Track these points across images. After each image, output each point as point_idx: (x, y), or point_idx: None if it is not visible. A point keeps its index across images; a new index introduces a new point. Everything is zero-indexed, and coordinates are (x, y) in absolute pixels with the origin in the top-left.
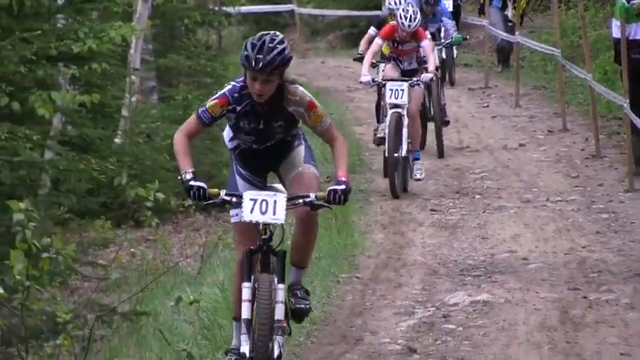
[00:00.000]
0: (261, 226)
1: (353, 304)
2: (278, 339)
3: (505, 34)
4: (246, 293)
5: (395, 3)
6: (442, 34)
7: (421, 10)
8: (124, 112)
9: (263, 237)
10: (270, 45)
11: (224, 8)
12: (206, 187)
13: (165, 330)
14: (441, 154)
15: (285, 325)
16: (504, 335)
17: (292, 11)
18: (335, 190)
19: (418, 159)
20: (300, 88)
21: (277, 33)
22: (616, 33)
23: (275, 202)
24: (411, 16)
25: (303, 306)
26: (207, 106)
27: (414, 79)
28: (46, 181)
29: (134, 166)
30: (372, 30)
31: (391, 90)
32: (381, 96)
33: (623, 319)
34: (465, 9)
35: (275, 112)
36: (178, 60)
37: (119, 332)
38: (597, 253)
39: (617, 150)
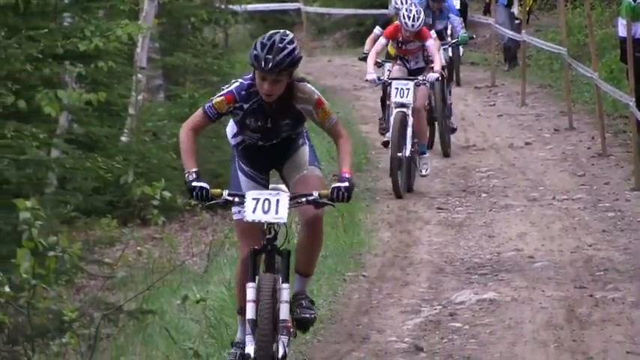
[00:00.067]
0: (265, 225)
1: (359, 303)
2: (282, 339)
3: (511, 32)
4: (250, 293)
5: (401, 2)
6: (449, 32)
7: (427, 7)
8: (131, 111)
9: (267, 236)
10: (280, 45)
11: (230, 6)
12: (208, 187)
13: (172, 328)
14: (446, 153)
15: (290, 325)
16: (511, 333)
17: (299, 10)
18: (338, 188)
19: (425, 153)
20: (309, 85)
21: (287, 32)
22: (622, 32)
23: (278, 201)
24: (414, 15)
25: (308, 315)
26: (213, 101)
27: (420, 78)
28: (52, 179)
29: (140, 164)
30: (377, 29)
31: (397, 89)
32: (386, 94)
33: (630, 317)
34: (472, 7)
35: (283, 111)
36: (185, 58)
37: (125, 331)
38: (603, 251)
39: (623, 148)
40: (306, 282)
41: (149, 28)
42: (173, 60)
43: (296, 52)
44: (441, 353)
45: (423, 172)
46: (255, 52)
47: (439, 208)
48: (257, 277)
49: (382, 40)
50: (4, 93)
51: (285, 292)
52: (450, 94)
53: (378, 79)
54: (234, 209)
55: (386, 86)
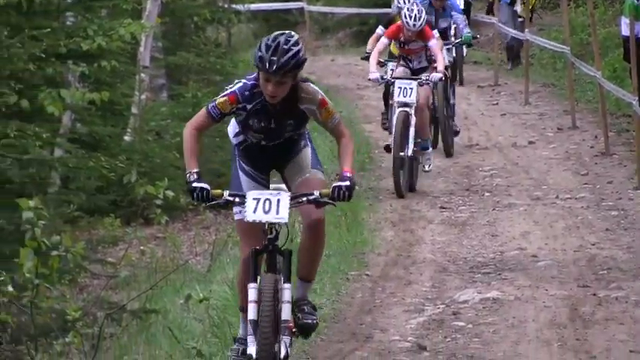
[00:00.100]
0: (266, 225)
1: (362, 302)
2: (285, 339)
3: (514, 31)
4: (252, 294)
5: (403, 1)
6: (452, 32)
7: (430, 5)
8: (134, 110)
9: (269, 236)
10: (285, 47)
11: (233, 6)
12: (209, 188)
13: (175, 328)
14: (448, 153)
15: (292, 325)
16: (514, 332)
17: (302, 9)
18: (339, 187)
19: (428, 148)
20: (312, 85)
21: (292, 33)
22: (625, 31)
23: (278, 200)
24: (415, 15)
25: (310, 321)
26: (216, 102)
27: (423, 77)
28: (55, 179)
29: (143, 163)
30: (379, 29)
31: (400, 88)
32: (389, 92)
33: (633, 316)
34: (475, 7)
35: (287, 112)
36: (188, 57)
37: (129, 330)
38: (607, 250)
39: (627, 147)
40: (307, 287)
41: (152, 28)
42: (176, 59)
43: (301, 54)
44: (444, 352)
45: (427, 168)
46: (259, 53)
47: (442, 207)
48: (258, 278)
49: (384, 40)
50: (7, 92)
51: (287, 292)
52: (453, 94)
53: (381, 78)
54: (236, 209)
55: (389, 85)
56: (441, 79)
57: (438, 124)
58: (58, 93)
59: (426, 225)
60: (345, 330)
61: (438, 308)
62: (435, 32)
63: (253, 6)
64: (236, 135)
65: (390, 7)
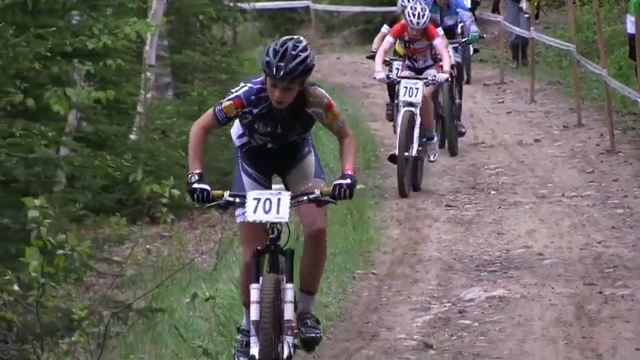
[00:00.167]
0: (267, 225)
1: (369, 300)
2: (288, 339)
3: (519, 29)
4: (254, 295)
5: (407, 0)
6: (459, 30)
7: (435, 4)
8: (139, 109)
9: (270, 236)
10: (293, 52)
11: (239, 4)
12: (210, 189)
13: (181, 326)
14: (453, 152)
15: (295, 325)
16: (520, 330)
17: (307, 7)
18: (340, 185)
19: (432, 139)
20: (319, 88)
21: (301, 38)
22: (630, 29)
23: (279, 200)
24: (419, 13)
25: (314, 335)
26: (223, 105)
27: (430, 77)
28: (61, 177)
29: (149, 162)
30: (384, 28)
31: (406, 87)
32: (394, 90)
33: (639, 313)
34: (481, 5)
35: (294, 117)
36: (193, 56)
37: (135, 329)
38: (613, 248)
39: (632, 145)
40: (310, 300)
41: (158, 26)
42: (182, 58)
43: (309, 60)
44: (450, 350)
45: (432, 158)
46: (267, 58)
47: (448, 206)
48: (261, 278)
49: (389, 39)
50: (13, 91)
51: (290, 292)
52: (460, 94)
53: (387, 77)
54: (238, 212)
55: (394, 84)
56: (447, 80)
57: (444, 123)
58: (64, 92)
59: (432, 223)
60: (351, 328)
61: (444, 306)
62: (440, 30)
63: (259, 4)
64: (239, 137)
65: (395, 5)
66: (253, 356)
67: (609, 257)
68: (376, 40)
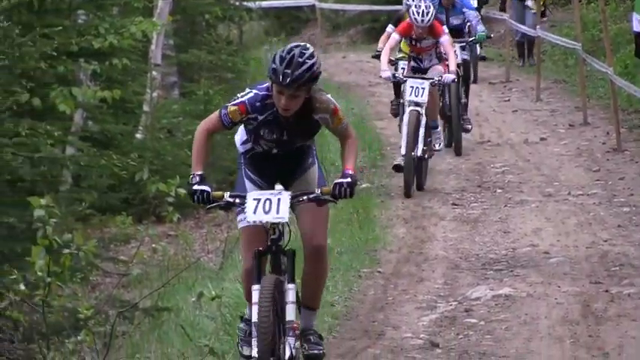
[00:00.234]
0: (268, 226)
1: (375, 299)
2: (289, 340)
3: (525, 28)
4: (255, 296)
5: None
6: (467, 29)
7: (440, 5)
8: (145, 108)
9: (272, 237)
10: (300, 60)
11: (245, 3)
12: (210, 190)
13: (187, 326)
14: (458, 152)
15: (296, 325)
16: (526, 329)
17: (313, 6)
18: (340, 184)
19: (436, 127)
20: (325, 94)
21: (307, 45)
22: (636, 27)
23: (279, 200)
24: (423, 10)
25: (316, 351)
26: (228, 109)
27: (436, 78)
28: (67, 177)
29: (155, 161)
30: (389, 28)
31: (412, 87)
32: (400, 89)
33: None
34: (488, 3)
35: (300, 124)
36: (199, 55)
37: (141, 328)
38: (619, 246)
39: (639, 143)
40: (313, 316)
41: (163, 25)
42: (188, 57)
43: (315, 67)
44: (456, 349)
45: (437, 147)
46: (273, 65)
47: (454, 204)
48: (262, 279)
49: (395, 37)
50: (19, 91)
51: (292, 293)
52: (466, 93)
53: (394, 76)
54: (240, 217)
55: (400, 84)
56: (454, 81)
57: (451, 122)
58: (70, 91)
59: (438, 222)
60: (358, 327)
61: (450, 305)
62: (445, 28)
63: (265, 3)
64: (243, 143)
65: (401, 4)
66: (253, 357)
67: (615, 256)
68: (382, 39)
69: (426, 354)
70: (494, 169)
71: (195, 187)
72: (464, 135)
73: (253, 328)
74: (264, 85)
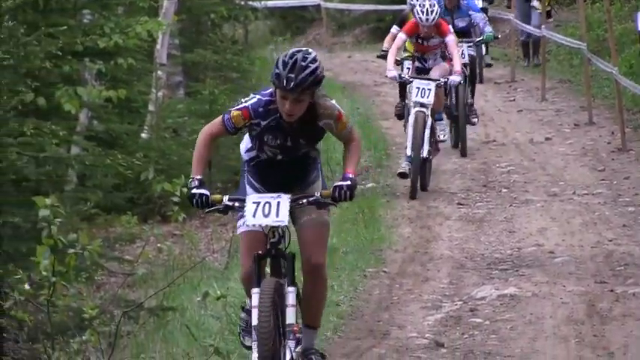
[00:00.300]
0: (267, 229)
1: (380, 299)
2: (290, 344)
3: (530, 27)
4: (255, 299)
5: None
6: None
7: (446, 9)
8: (151, 107)
9: (271, 240)
10: (303, 64)
11: (250, 3)
12: (209, 193)
13: (192, 325)
14: (463, 153)
15: (297, 329)
16: (531, 329)
17: (318, 6)
18: (340, 187)
19: (441, 119)
20: (329, 100)
21: (310, 50)
22: None
23: (278, 203)
24: (427, 9)
25: None
26: (231, 114)
27: (442, 80)
28: (72, 176)
29: (160, 161)
30: (394, 28)
31: (418, 88)
32: (406, 89)
33: None
34: (494, 3)
35: (304, 130)
36: (205, 55)
37: (146, 328)
38: (624, 246)
39: None
40: (314, 335)
41: (169, 25)
42: (193, 56)
43: (318, 71)
44: (461, 349)
45: (442, 137)
46: (276, 70)
47: (459, 204)
48: (261, 283)
49: (402, 36)
50: (24, 90)
51: (292, 296)
52: (472, 93)
53: (399, 76)
54: (239, 222)
55: (406, 84)
56: (460, 83)
57: (457, 122)
58: (75, 91)
59: (444, 221)
60: (363, 327)
61: (456, 305)
62: (451, 28)
63: (270, 3)
64: (248, 151)
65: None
66: None
67: (620, 255)
68: (387, 39)
69: (431, 354)
70: (499, 168)
71: (194, 190)
72: (469, 135)
73: (253, 332)
74: (268, 91)
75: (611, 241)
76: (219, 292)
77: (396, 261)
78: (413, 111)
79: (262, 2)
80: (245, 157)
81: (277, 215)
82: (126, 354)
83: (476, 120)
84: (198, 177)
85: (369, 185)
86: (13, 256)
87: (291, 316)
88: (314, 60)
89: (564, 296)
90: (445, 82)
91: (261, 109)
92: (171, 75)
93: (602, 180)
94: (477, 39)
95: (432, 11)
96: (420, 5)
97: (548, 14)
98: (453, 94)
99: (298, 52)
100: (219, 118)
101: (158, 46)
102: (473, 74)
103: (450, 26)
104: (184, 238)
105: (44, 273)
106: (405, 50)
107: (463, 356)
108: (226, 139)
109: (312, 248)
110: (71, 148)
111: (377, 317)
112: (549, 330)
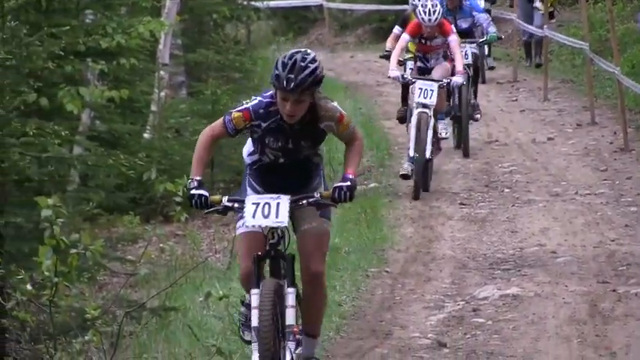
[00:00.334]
0: (267, 230)
1: (382, 299)
2: (290, 345)
3: (533, 27)
4: (254, 300)
5: None
6: (477, 32)
7: (448, 10)
8: (153, 108)
9: (270, 241)
10: (302, 64)
11: (253, 3)
12: (208, 194)
13: (195, 325)
14: (466, 153)
15: (297, 330)
16: (534, 329)
17: (321, 6)
18: (340, 187)
19: (443, 119)
20: (330, 102)
21: (308, 51)
22: None
23: (278, 204)
24: (429, 9)
25: None
26: (232, 115)
27: (444, 81)
28: (74, 176)
29: (163, 161)
30: (396, 29)
31: (420, 89)
32: (408, 90)
33: None
34: (496, 3)
35: (305, 132)
36: (207, 55)
37: (148, 328)
38: (626, 246)
39: None
40: (314, 344)
41: (171, 25)
42: (195, 57)
43: (318, 71)
44: (464, 349)
45: (444, 135)
46: (276, 72)
47: (462, 204)
48: (261, 283)
49: (405, 37)
50: (26, 91)
51: (291, 297)
52: (475, 94)
53: (402, 77)
54: (238, 224)
55: (408, 84)
56: (463, 84)
57: (460, 122)
58: (77, 91)
59: (446, 221)
60: (365, 327)
61: (458, 305)
62: (453, 28)
63: (272, 3)
64: (250, 154)
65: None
66: None
67: (623, 255)
68: (389, 40)
69: (433, 354)
70: (501, 168)
71: (193, 191)
72: (471, 135)
73: (253, 333)
74: (269, 93)
75: (613, 241)
76: (221, 293)
77: (399, 261)
78: (415, 112)
79: (265, 2)
80: (247, 160)
81: (277, 216)
82: (128, 354)
83: (478, 116)
84: (198, 178)
85: (372, 185)
86: (15, 256)
87: (290, 317)
88: (313, 60)
89: (566, 296)
90: (448, 83)
91: (261, 111)
92: (174, 75)
93: (605, 180)
94: (481, 40)
95: (434, 11)
96: (422, 6)
97: (551, 15)
98: (456, 95)
99: (297, 52)
100: (220, 119)
101: (160, 46)
102: (476, 74)
103: (453, 26)
104: (187, 238)
105: (46, 273)
106: (408, 51)
107: (465, 356)
108: (229, 139)
109: (312, 257)
110: (73, 148)
111: (379, 317)
112: (552, 330)
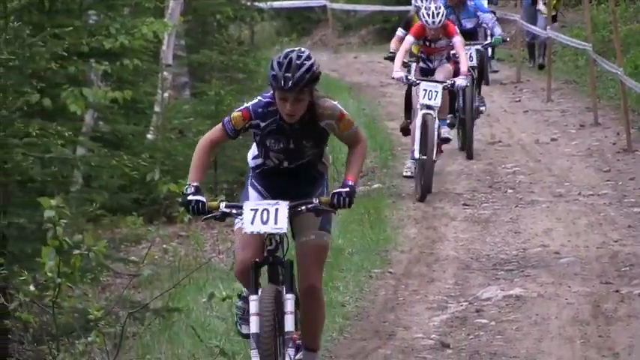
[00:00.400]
0: (265, 236)
1: (386, 299)
2: (289, 352)
3: (536, 28)
4: (253, 306)
5: (421, 0)
6: (483, 32)
7: (452, 12)
8: (156, 108)
9: (268, 248)
10: (298, 62)
11: (256, 3)
12: (205, 200)
13: (198, 326)
14: (469, 155)
15: (297, 336)
16: (537, 329)
17: (324, 6)
18: (339, 193)
19: (446, 121)
20: (329, 100)
21: (302, 49)
22: None
23: (277, 210)
24: (433, 12)
25: None
26: (231, 116)
27: (448, 82)
28: (77, 177)
29: (166, 161)
30: (399, 31)
31: (425, 90)
32: (411, 93)
33: None
34: (498, 4)
35: (306, 131)
36: (211, 55)
37: (151, 329)
38: (629, 247)
39: None
40: (314, 357)
41: (175, 26)
42: (199, 57)
43: (314, 68)
44: (467, 350)
45: (447, 135)
46: (272, 72)
47: (465, 205)
48: (259, 290)
49: (410, 39)
50: (29, 91)
51: (290, 303)
52: (479, 96)
53: (406, 78)
54: (237, 220)
55: (412, 86)
56: (467, 86)
57: (464, 124)
58: (81, 91)
59: (449, 222)
60: (368, 328)
61: (461, 305)
62: (456, 29)
63: (276, 4)
64: (254, 158)
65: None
66: None
67: (626, 256)
68: (393, 41)
69: (436, 354)
70: (505, 169)
71: (190, 197)
72: (475, 136)
73: (252, 340)
74: (269, 94)
75: (616, 241)
76: (224, 293)
77: (402, 262)
78: (420, 113)
79: (268, 3)
80: (251, 163)
81: (276, 222)
82: (131, 355)
83: (483, 108)
84: (195, 184)
85: (375, 186)
86: (18, 257)
87: (289, 323)
88: (308, 57)
89: (570, 297)
90: (452, 85)
91: (260, 110)
92: (177, 76)
93: (608, 181)
94: (486, 42)
95: (437, 13)
96: (425, 8)
97: (554, 18)
98: (460, 97)
99: (292, 51)
100: (219, 124)
101: (164, 47)
102: (480, 76)
103: (457, 27)
104: (190, 239)
105: (49, 274)
106: (412, 55)
107: (469, 357)
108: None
109: (309, 271)
110: (77, 149)
111: (382, 318)
112: (555, 330)
